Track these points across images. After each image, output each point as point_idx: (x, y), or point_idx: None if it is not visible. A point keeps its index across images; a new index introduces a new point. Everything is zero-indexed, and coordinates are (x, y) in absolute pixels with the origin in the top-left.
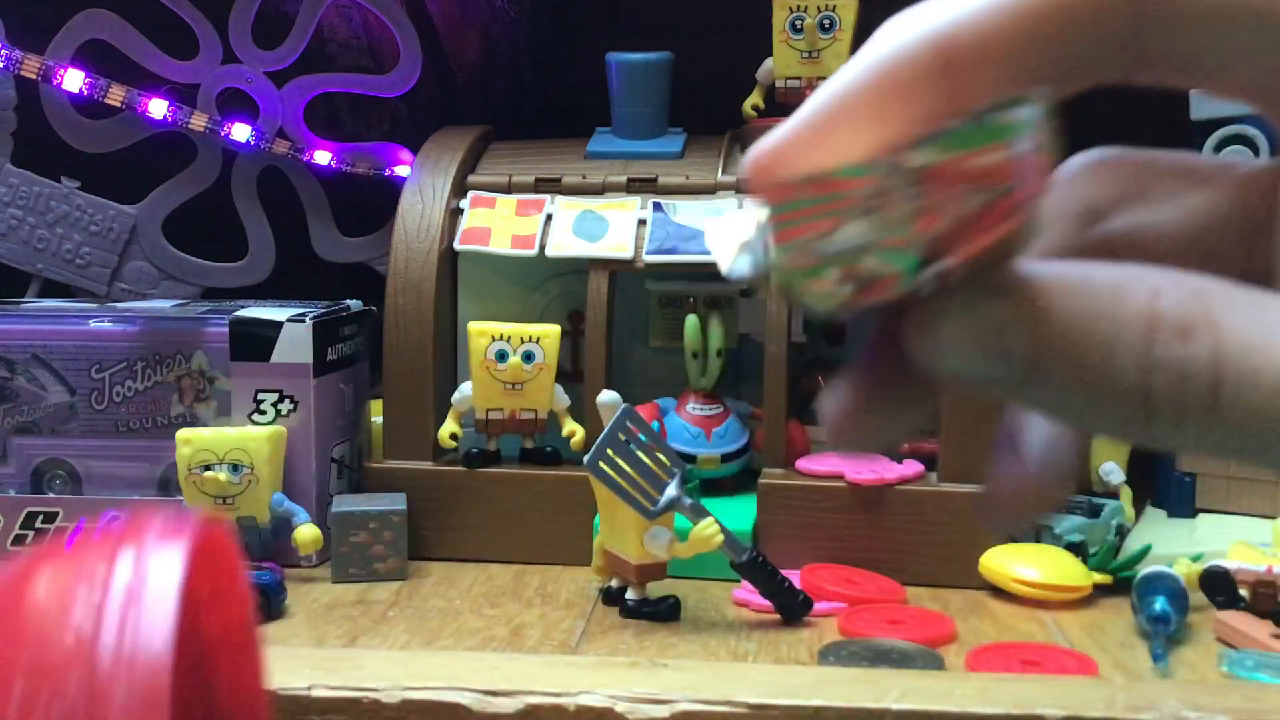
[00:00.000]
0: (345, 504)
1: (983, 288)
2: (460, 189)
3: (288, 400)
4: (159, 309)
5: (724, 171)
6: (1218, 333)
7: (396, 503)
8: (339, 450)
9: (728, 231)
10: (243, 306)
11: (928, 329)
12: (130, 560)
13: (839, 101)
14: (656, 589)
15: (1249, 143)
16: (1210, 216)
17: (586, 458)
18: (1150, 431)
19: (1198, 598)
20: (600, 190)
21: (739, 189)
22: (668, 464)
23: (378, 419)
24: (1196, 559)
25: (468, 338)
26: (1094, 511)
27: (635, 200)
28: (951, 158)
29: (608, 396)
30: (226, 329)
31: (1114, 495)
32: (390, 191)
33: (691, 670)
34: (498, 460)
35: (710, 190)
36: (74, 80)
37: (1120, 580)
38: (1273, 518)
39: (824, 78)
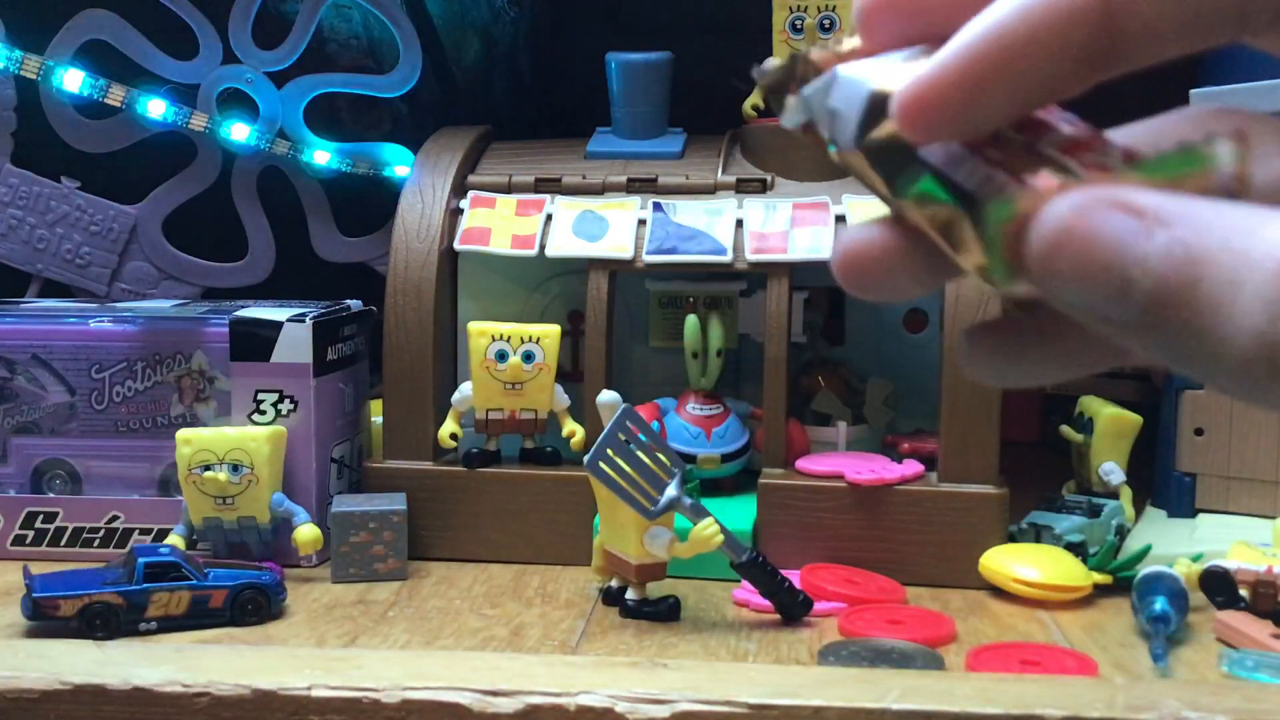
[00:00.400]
0: (345, 504)
1: (1109, 212)
2: (460, 189)
3: (288, 400)
4: (159, 309)
5: (724, 171)
6: None
7: (396, 503)
8: (339, 450)
9: (779, 76)
10: (243, 306)
11: (1047, 254)
12: None
13: (995, 40)
14: (656, 589)
15: None
16: None
17: (586, 458)
18: (1272, 389)
19: (1198, 598)
20: (600, 190)
21: (739, 189)
22: (668, 464)
23: (378, 419)
24: (1196, 559)
25: (468, 338)
26: (1094, 511)
27: (635, 200)
28: (1156, 179)
29: (608, 396)
30: (226, 329)
31: (1114, 495)
32: (390, 191)
33: (691, 670)
34: (498, 460)
35: (710, 190)
36: (74, 80)
37: (1120, 580)
38: (1273, 518)
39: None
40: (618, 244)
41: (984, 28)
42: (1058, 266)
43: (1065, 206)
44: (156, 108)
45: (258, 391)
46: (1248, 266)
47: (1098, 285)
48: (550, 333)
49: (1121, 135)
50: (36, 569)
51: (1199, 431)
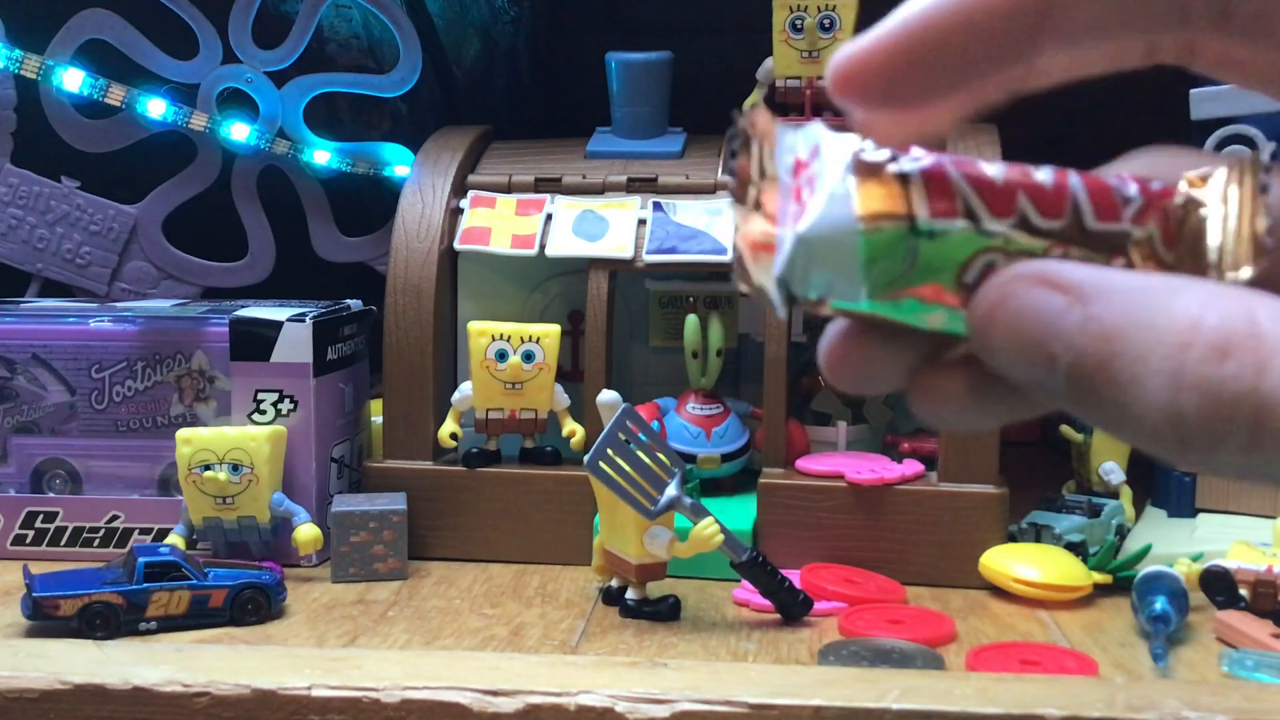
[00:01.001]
0: (345, 504)
1: (1035, 289)
2: (460, 189)
3: (288, 400)
4: (159, 309)
5: (724, 171)
6: (1261, 354)
7: (396, 503)
8: (339, 450)
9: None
10: (243, 306)
11: (981, 327)
12: None
13: (932, 19)
14: (656, 589)
15: (1248, 142)
16: None
17: (586, 458)
18: (1185, 458)
19: (1198, 598)
20: (600, 190)
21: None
22: (668, 464)
23: (378, 419)
24: (1196, 559)
25: (468, 338)
26: (1094, 511)
27: (635, 200)
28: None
29: (608, 396)
30: (226, 329)
31: (1114, 495)
32: (390, 191)
33: (691, 670)
34: (498, 460)
35: (710, 190)
36: (74, 80)
37: (1120, 580)
38: (1273, 518)
39: (824, 78)
40: (618, 244)
41: (920, 8)
42: (990, 339)
43: (998, 283)
44: (156, 108)
45: (258, 391)
46: (1154, 342)
47: (1026, 358)
48: (550, 333)
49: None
50: (36, 569)
51: None
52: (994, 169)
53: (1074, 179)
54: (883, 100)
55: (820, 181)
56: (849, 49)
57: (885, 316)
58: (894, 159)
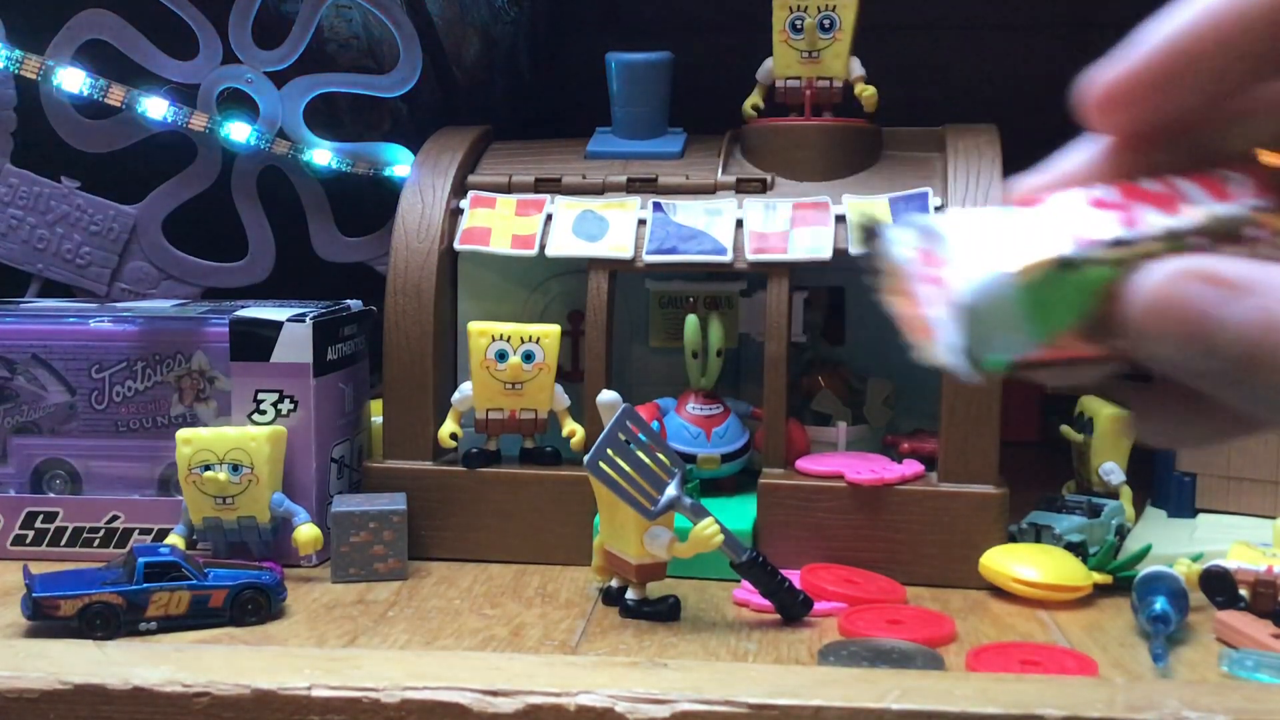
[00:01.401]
0: (345, 504)
1: (1193, 283)
2: (460, 189)
3: (288, 400)
4: (159, 309)
5: (724, 171)
6: None
7: (396, 503)
8: (339, 450)
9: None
10: (243, 306)
11: (1136, 318)
12: None
13: (1180, 40)
14: (656, 589)
15: None
16: None
17: (586, 458)
18: None
19: (1198, 598)
20: (600, 190)
21: (739, 189)
22: (668, 464)
23: (378, 419)
24: (1196, 559)
25: (468, 338)
26: (1094, 511)
27: (635, 200)
28: None
29: (608, 396)
30: (226, 329)
31: (1114, 495)
32: (390, 191)
33: (691, 670)
34: (498, 460)
35: (710, 190)
36: (74, 80)
37: (1120, 580)
38: (1273, 518)
39: (824, 78)
40: (618, 244)
41: (1168, 25)
42: (1148, 329)
43: (1156, 276)
44: (156, 108)
45: (258, 391)
46: None
47: (1185, 346)
48: (550, 333)
49: None
50: (36, 569)
51: None
52: (1107, 193)
53: (1178, 178)
54: (1144, 120)
55: (960, 255)
56: (1109, 71)
57: (1072, 351)
58: (1022, 217)
